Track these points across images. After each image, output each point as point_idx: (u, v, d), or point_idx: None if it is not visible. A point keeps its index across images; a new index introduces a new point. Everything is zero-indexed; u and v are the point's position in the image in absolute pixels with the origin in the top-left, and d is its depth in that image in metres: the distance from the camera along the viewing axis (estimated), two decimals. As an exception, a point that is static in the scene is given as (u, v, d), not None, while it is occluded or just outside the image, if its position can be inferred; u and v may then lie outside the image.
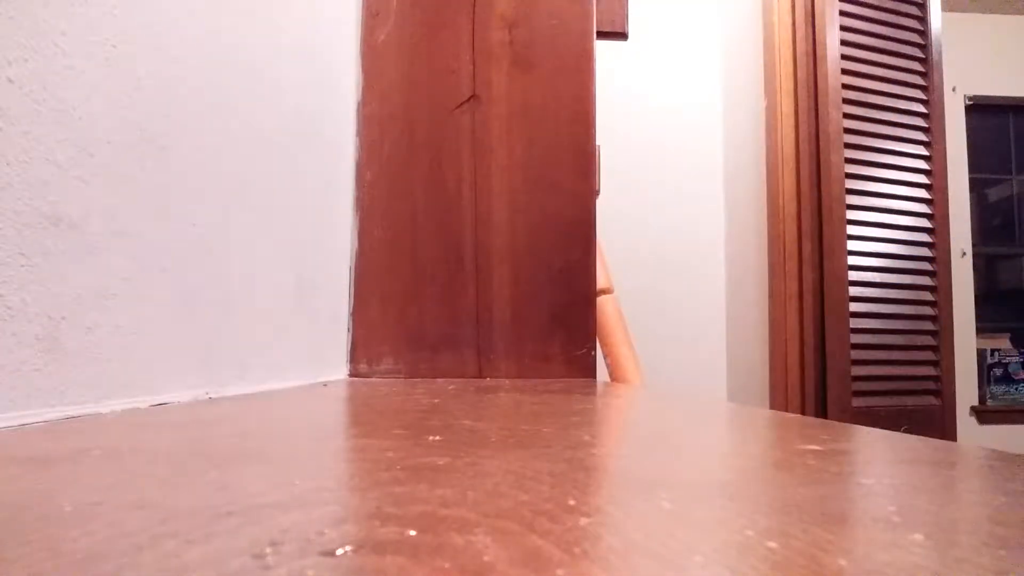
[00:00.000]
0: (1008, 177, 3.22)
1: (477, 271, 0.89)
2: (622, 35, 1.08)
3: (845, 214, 1.82)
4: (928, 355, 1.91)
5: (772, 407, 1.88)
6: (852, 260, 1.82)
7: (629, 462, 0.28)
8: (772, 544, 0.15)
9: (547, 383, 0.78)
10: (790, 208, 1.87)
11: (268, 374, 0.61)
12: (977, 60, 2.97)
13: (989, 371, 2.97)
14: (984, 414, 2.92)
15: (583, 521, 0.16)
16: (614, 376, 1.03)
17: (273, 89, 0.63)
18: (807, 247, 1.83)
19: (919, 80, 1.96)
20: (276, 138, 0.64)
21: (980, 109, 3.06)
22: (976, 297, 2.95)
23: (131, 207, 0.41)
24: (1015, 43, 3.01)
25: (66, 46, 0.35)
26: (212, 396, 0.50)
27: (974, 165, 3.01)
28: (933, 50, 1.97)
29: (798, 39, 1.89)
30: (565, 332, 0.89)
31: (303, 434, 0.34)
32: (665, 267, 2.13)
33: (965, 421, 2.83)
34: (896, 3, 1.95)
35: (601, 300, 0.98)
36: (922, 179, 1.94)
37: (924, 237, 1.92)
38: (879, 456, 0.31)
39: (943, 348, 1.91)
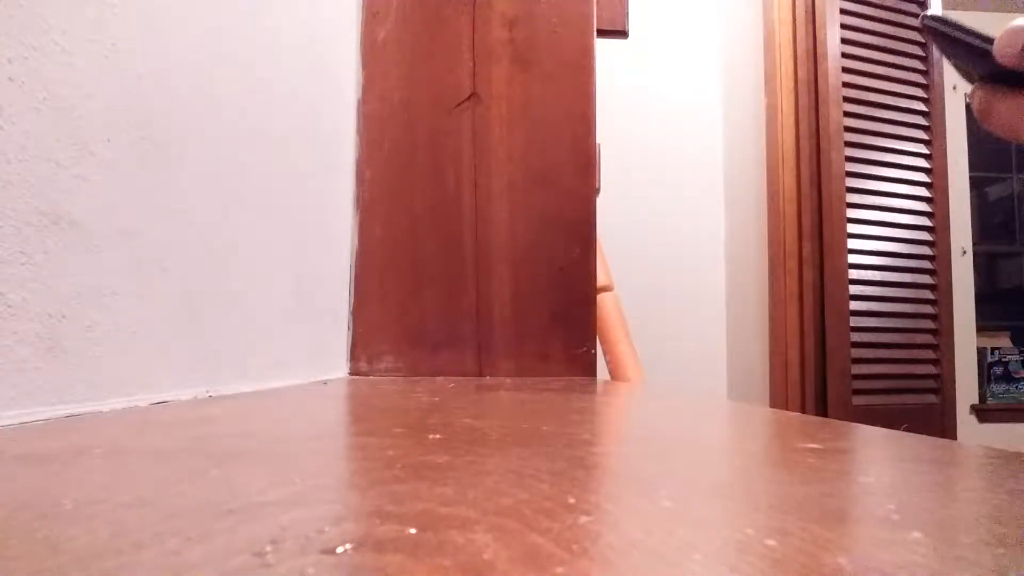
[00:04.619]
0: (1008, 175, 3.22)
1: (477, 269, 0.89)
2: (623, 33, 1.07)
3: (845, 212, 1.82)
4: (928, 353, 1.91)
5: (772, 405, 1.88)
6: (852, 259, 1.82)
7: (629, 460, 0.28)
8: (771, 542, 0.15)
9: (547, 381, 0.78)
10: (790, 206, 1.87)
11: (268, 372, 0.61)
12: (978, 58, 2.96)
13: (989, 369, 2.97)
14: (984, 412, 2.92)
15: (583, 519, 0.16)
16: (614, 374, 1.03)
17: (273, 87, 0.63)
18: (807, 246, 1.83)
19: (919, 78, 1.96)
20: (276, 136, 0.64)
21: (981, 107, 3.04)
22: (976, 295, 2.95)
23: (131, 205, 0.41)
24: (1016, 41, 3.00)
25: (66, 44, 0.35)
26: (212, 394, 0.50)
27: (974, 163, 3.00)
28: (933, 48, 1.97)
29: (798, 38, 1.89)
30: (565, 330, 0.89)
31: (303, 432, 0.34)
32: (665, 265, 2.13)
33: (965, 419, 2.82)
34: (897, 1, 1.94)
35: (601, 298, 0.98)
36: (922, 177, 1.93)
37: (924, 235, 1.92)
38: (879, 454, 0.31)
39: (943, 346, 1.91)
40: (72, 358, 0.36)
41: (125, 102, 0.40)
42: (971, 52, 0.34)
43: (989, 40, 0.33)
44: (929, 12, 0.34)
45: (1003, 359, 2.99)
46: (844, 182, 1.82)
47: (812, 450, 0.29)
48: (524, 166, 0.91)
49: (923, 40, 1.97)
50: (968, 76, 0.36)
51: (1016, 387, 2.98)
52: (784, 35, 1.92)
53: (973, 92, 0.35)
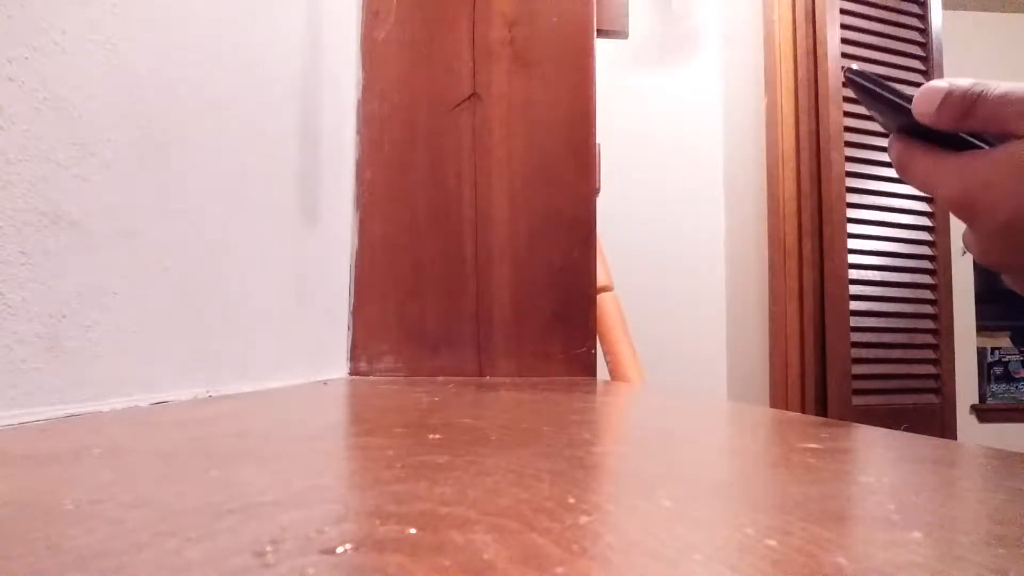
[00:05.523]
0: (1008, 175, 3.21)
1: (477, 269, 0.89)
2: (623, 33, 1.07)
3: (845, 212, 1.82)
4: (928, 353, 1.91)
5: (772, 405, 1.88)
6: (852, 259, 1.82)
7: (629, 460, 0.28)
8: (771, 542, 0.15)
9: (547, 381, 0.78)
10: (790, 207, 1.87)
11: (268, 372, 0.61)
12: (978, 59, 2.97)
13: (989, 369, 2.97)
14: (984, 412, 2.92)
15: (583, 519, 0.16)
16: (614, 374, 1.03)
17: (273, 87, 0.63)
18: (807, 246, 1.83)
19: (919, 79, 1.96)
20: (276, 136, 0.64)
21: (981, 107, 3.04)
22: (976, 295, 2.95)
23: (131, 205, 0.41)
24: (1016, 42, 3.01)
25: (66, 44, 0.35)
26: (212, 394, 0.50)
27: (974, 163, 3.00)
28: (934, 48, 1.97)
29: (799, 37, 1.89)
30: (565, 330, 0.89)
31: (303, 432, 0.34)
32: (665, 265, 2.13)
33: (965, 419, 2.82)
34: (897, 1, 1.94)
35: (601, 298, 0.98)
36: (922, 177, 1.93)
37: (924, 235, 1.92)
38: (879, 454, 0.31)
39: (943, 346, 1.91)
40: (72, 358, 0.36)
41: (125, 102, 0.40)
42: (890, 106, 0.36)
43: (907, 98, 0.35)
44: (854, 66, 0.36)
45: (1003, 359, 2.99)
46: (844, 182, 1.82)
47: (812, 450, 0.29)
48: (524, 166, 0.91)
49: (922, 41, 1.97)
50: (887, 127, 0.38)
51: (1016, 387, 2.98)
52: (784, 35, 1.92)
53: (891, 144, 0.37)
